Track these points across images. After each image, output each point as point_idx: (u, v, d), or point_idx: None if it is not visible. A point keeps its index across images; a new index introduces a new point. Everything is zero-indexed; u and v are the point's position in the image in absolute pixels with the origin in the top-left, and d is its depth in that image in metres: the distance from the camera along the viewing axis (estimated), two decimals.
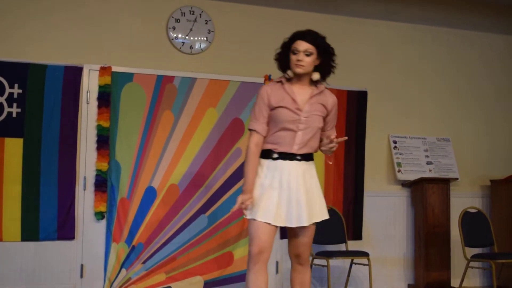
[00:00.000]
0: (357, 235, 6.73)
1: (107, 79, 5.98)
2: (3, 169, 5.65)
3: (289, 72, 3.75)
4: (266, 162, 3.71)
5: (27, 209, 5.69)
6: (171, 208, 6.13)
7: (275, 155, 3.69)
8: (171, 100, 6.20)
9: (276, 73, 6.42)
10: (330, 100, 3.80)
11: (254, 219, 3.62)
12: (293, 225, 3.65)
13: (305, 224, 3.66)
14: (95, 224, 5.91)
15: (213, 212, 6.25)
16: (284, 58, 3.77)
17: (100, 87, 5.97)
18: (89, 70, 6.00)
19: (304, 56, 3.66)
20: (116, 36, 6.10)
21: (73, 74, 5.93)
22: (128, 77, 6.09)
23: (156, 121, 6.15)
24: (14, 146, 5.71)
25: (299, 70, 3.68)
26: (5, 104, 5.73)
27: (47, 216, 5.73)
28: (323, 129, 3.83)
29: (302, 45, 3.67)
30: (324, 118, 3.80)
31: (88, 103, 5.98)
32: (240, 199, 3.65)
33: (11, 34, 5.83)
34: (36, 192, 5.73)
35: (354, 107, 6.85)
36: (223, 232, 6.26)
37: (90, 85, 6.00)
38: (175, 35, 6.29)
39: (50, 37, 5.94)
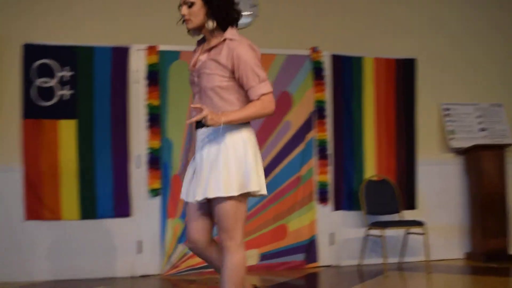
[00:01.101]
0: (411, 205, 6.66)
1: (155, 58, 6.03)
2: (59, 150, 5.76)
3: (190, 33, 3.29)
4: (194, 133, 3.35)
5: (84, 188, 5.80)
6: None
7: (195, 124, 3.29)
8: None
9: (323, 45, 6.43)
10: (225, 52, 3.13)
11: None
12: (189, 200, 3.24)
13: (195, 199, 3.15)
14: (150, 201, 5.98)
15: (266, 186, 6.23)
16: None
17: (148, 66, 6.02)
18: (136, 50, 6.05)
19: (187, 8, 3.16)
20: (161, 15, 6.12)
21: (121, 55, 5.99)
22: (175, 55, 6.12)
23: None
24: (68, 128, 5.81)
25: (188, 25, 3.19)
26: (57, 87, 5.82)
27: (103, 194, 5.84)
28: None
29: None
30: (232, 76, 3.15)
31: (137, 83, 6.04)
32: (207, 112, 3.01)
33: (59, 18, 5.92)
34: (91, 171, 5.83)
35: (403, 75, 6.75)
36: (276, 205, 6.27)
37: (138, 64, 6.05)
38: None
39: (97, 19, 6.02)
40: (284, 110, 6.38)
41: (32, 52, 5.80)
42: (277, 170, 6.29)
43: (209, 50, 3.19)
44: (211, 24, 3.16)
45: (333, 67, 6.54)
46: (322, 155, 6.42)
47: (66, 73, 5.85)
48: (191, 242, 3.31)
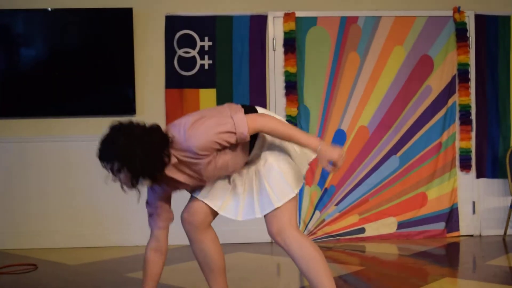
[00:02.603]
0: None
1: (292, 25, 6.03)
2: None
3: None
4: None
5: None
6: (361, 150, 6.11)
7: None
8: (356, 41, 6.12)
9: (467, 5, 6.12)
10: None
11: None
12: (241, 218, 3.25)
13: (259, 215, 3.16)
14: None
15: (405, 152, 6.14)
16: None
17: (285, 33, 6.03)
18: (274, 17, 6.07)
19: (116, 178, 2.91)
20: None
21: (259, 23, 6.04)
22: (312, 21, 6.08)
23: (342, 63, 6.11)
24: (208, 97, 5.99)
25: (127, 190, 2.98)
26: (198, 57, 6.00)
27: None
28: None
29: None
30: None
31: (274, 50, 6.08)
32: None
33: None
34: None
35: None
36: (415, 173, 6.15)
37: (275, 32, 6.08)
38: None
39: None
40: (425, 74, 6.18)
41: (174, 23, 5.99)
42: (417, 136, 6.15)
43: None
44: (148, 183, 3.07)
45: (477, 27, 6.22)
46: (465, 120, 6.18)
47: (206, 43, 6.01)
48: (191, 215, 3.23)
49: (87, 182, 5.92)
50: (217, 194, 3.22)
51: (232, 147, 3.01)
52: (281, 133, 2.99)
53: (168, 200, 3.27)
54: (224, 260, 3.39)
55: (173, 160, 2.94)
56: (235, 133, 2.92)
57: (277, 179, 3.08)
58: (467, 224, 6.22)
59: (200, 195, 3.22)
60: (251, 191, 3.15)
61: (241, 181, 3.19)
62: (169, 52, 5.99)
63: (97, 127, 5.94)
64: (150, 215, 3.26)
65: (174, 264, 5.05)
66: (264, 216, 3.12)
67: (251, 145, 3.12)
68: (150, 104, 6.00)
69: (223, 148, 2.98)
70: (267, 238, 6.03)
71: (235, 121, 2.92)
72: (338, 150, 2.98)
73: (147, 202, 3.24)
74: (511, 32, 6.25)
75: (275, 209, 3.06)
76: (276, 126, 2.98)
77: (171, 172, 3.01)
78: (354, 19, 6.12)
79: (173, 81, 5.98)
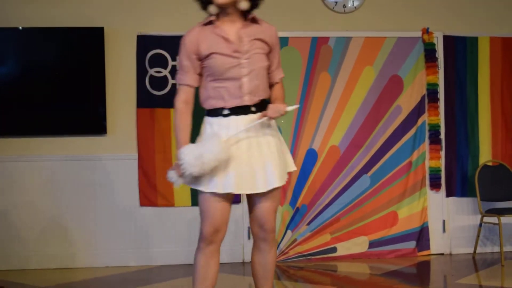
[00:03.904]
0: None
1: None
2: (171, 138, 5.94)
3: (212, 8, 3.09)
4: (216, 120, 3.14)
5: None
6: (332, 169, 6.14)
7: (226, 111, 3.12)
8: (327, 61, 6.17)
9: (435, 26, 6.22)
10: (269, 32, 3.18)
11: (202, 192, 3.12)
12: (247, 192, 3.14)
13: (261, 191, 3.10)
14: None
15: (375, 172, 6.18)
16: None
17: None
18: None
19: None
20: (269, 1, 6.11)
21: None
22: (284, 41, 6.11)
23: (313, 83, 6.15)
24: None
25: (221, 1, 3.04)
26: (169, 77, 5.99)
27: None
28: (268, 70, 3.22)
29: None
30: (268, 55, 3.19)
31: None
32: (175, 169, 3.08)
33: (169, 10, 6.05)
34: None
35: None
36: (386, 192, 6.19)
37: None
38: None
39: None
40: (395, 94, 6.24)
41: (145, 42, 5.98)
42: (388, 155, 6.20)
43: (251, 29, 3.13)
44: (244, 4, 3.09)
45: (445, 48, 6.32)
46: (434, 139, 6.25)
47: (178, 63, 6.01)
48: (217, 231, 3.16)
49: (57, 202, 5.87)
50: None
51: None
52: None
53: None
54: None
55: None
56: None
57: (279, 163, 3.13)
58: (437, 243, 6.26)
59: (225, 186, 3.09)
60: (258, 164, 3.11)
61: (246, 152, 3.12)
62: (141, 72, 5.98)
63: (67, 147, 5.92)
64: (186, 72, 3.20)
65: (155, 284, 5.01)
66: (261, 211, 3.16)
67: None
68: (121, 124, 5.97)
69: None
70: (239, 258, 6.02)
71: None
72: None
73: (183, 70, 3.20)
74: (478, 53, 6.36)
75: (274, 205, 3.18)
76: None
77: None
78: (325, 39, 6.17)
79: (145, 100, 5.96)
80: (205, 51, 3.09)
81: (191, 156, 3.01)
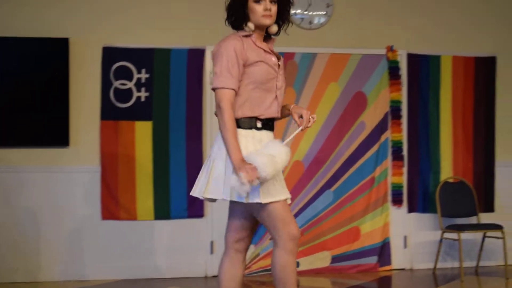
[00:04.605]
0: (489, 207, 6.49)
1: None
2: (135, 151, 5.92)
3: (250, 25, 3.18)
4: (250, 133, 3.16)
5: (158, 189, 5.94)
6: (296, 185, 6.16)
7: (259, 124, 3.18)
8: (293, 77, 6.21)
9: (399, 44, 6.30)
10: (281, 56, 3.35)
11: (277, 201, 3.11)
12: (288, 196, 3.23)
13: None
14: (223, 202, 6.02)
15: (339, 187, 6.23)
16: (241, 9, 3.19)
17: None
18: (211, 51, 6.10)
19: (271, 5, 3.17)
20: None
21: (196, 56, 6.07)
22: None
23: None
24: (144, 129, 5.95)
25: (268, 22, 3.17)
26: (134, 89, 5.96)
27: (177, 195, 5.96)
28: None
29: None
30: None
31: (211, 84, 6.09)
32: (243, 169, 2.93)
33: (136, 22, 6.03)
34: (166, 172, 5.96)
35: (482, 74, 6.55)
36: (349, 207, 6.24)
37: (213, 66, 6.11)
38: (293, 11, 6.27)
39: (173, 21, 6.09)
40: (359, 110, 6.31)
41: (111, 54, 5.95)
42: (351, 171, 6.25)
43: (271, 52, 3.26)
44: (275, 29, 3.27)
45: (409, 66, 6.41)
46: (397, 156, 6.33)
47: (143, 75, 5.99)
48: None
49: (18, 214, 5.78)
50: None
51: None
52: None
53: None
54: None
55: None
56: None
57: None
58: (399, 258, 6.33)
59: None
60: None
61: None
62: (105, 83, 5.94)
63: (29, 158, 5.84)
64: (233, 77, 3.14)
65: None
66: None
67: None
68: (84, 136, 5.91)
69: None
70: (201, 273, 6.00)
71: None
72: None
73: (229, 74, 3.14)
74: (441, 71, 6.46)
75: None
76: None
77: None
78: (291, 55, 6.22)
79: (109, 112, 5.92)
80: (253, 58, 3.15)
81: (264, 159, 2.98)
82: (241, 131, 3.11)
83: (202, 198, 3.23)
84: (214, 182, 3.14)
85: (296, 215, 6.13)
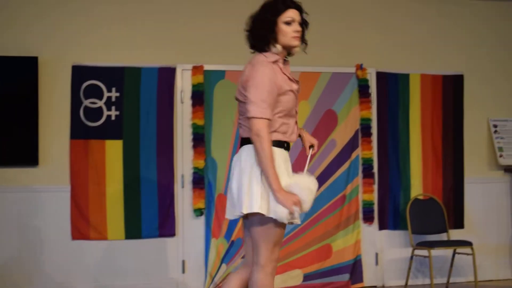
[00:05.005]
0: (459, 224, 6.55)
1: (200, 78, 6.08)
2: (105, 170, 5.87)
3: (278, 46, 3.25)
4: (281, 153, 3.23)
5: (129, 208, 5.89)
6: None
7: (285, 145, 3.29)
8: None
9: (369, 62, 6.37)
10: (299, 81, 3.43)
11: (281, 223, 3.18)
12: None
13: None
14: (195, 221, 6.04)
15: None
16: (270, 30, 3.24)
17: (193, 86, 6.07)
18: (182, 70, 6.11)
19: (299, 27, 3.26)
20: (206, 35, 6.16)
21: (167, 75, 6.06)
22: (220, 74, 6.16)
23: None
24: (114, 148, 5.91)
25: (297, 43, 3.26)
26: (104, 108, 5.93)
27: (148, 214, 5.92)
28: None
29: (297, 14, 3.26)
30: None
31: (182, 103, 6.10)
32: (290, 201, 3.07)
33: (106, 40, 6.01)
34: (137, 191, 5.92)
35: (450, 92, 6.65)
36: (320, 225, 6.25)
37: (183, 84, 6.11)
38: None
39: (144, 40, 6.09)
40: (329, 128, 6.35)
41: (81, 73, 5.92)
42: (322, 189, 6.25)
43: (293, 78, 3.32)
44: (298, 49, 3.32)
45: (378, 84, 6.49)
46: (367, 173, 6.37)
47: (113, 94, 5.96)
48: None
49: None
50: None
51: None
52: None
53: None
54: None
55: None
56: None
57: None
58: (370, 275, 6.34)
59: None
60: None
61: None
62: (75, 102, 5.89)
63: None
64: (270, 107, 3.17)
65: None
66: None
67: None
68: (54, 155, 5.85)
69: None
70: None
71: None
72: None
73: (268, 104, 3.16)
74: (409, 89, 6.54)
75: None
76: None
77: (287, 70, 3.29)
78: None
79: (79, 131, 5.87)
80: (284, 87, 3.20)
81: (307, 191, 3.14)
82: (275, 150, 3.19)
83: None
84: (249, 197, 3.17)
85: None
